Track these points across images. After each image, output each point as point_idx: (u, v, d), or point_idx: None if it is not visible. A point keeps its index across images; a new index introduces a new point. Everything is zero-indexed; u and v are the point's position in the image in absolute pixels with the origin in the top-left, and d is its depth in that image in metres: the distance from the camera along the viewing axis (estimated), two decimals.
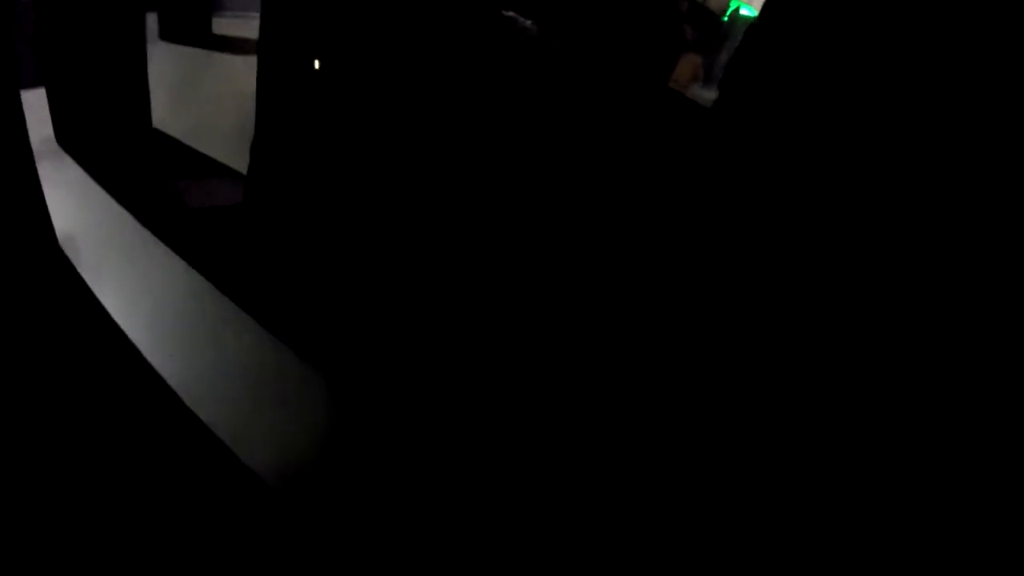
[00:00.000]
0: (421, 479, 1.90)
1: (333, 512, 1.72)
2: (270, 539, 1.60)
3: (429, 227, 2.55)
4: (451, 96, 2.28)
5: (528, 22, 2.13)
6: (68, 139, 3.23)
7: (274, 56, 2.28)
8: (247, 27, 5.55)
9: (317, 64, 2.19)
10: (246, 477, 1.73)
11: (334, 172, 2.60)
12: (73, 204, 2.77)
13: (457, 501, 1.86)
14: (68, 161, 3.08)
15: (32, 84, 3.13)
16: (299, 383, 2.13)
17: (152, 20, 5.16)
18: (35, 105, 3.06)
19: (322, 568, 1.59)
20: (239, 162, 3.30)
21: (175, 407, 1.89)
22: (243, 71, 4.36)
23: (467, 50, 2.17)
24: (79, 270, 2.39)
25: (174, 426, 1.83)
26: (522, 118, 2.23)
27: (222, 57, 5.18)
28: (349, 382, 2.21)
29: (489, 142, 2.29)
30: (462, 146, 2.37)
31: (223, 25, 5.73)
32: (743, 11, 2.33)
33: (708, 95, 2.05)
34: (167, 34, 5.46)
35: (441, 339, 2.51)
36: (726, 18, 2.37)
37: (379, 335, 2.45)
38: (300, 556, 1.59)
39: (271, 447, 1.83)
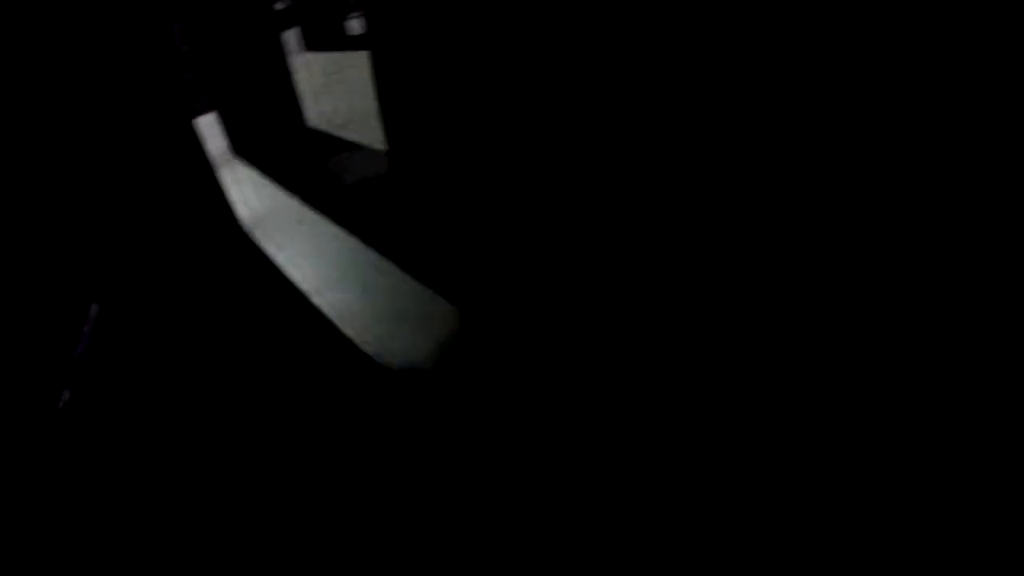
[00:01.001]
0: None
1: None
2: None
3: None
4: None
5: None
6: (240, 147, 4.00)
7: (385, 48, 2.52)
8: None
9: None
10: (385, 377, 2.12)
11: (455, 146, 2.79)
12: (251, 197, 3.47)
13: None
14: (242, 165, 3.84)
15: (205, 111, 3.93)
16: (430, 309, 2.47)
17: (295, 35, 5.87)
18: (212, 127, 3.85)
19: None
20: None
21: (333, 332, 2.38)
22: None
23: None
24: (261, 246, 3.03)
25: (330, 343, 2.32)
26: None
27: (358, 55, 5.69)
28: (474, 308, 2.50)
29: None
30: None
31: (359, 27, 6.27)
32: None
33: None
34: (311, 44, 6.18)
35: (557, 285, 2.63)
36: None
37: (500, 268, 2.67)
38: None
39: (406, 358, 2.20)
